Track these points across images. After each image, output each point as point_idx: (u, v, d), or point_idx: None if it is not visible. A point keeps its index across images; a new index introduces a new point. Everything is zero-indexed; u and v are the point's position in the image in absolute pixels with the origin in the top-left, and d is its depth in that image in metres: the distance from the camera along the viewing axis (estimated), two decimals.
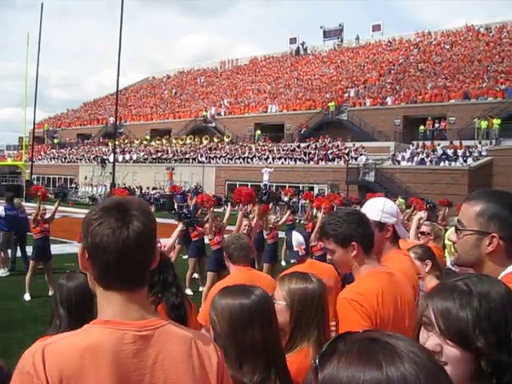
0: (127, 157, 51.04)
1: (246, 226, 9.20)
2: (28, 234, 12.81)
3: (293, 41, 70.54)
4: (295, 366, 2.30)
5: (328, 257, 2.82)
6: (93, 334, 1.47)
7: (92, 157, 53.82)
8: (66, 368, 1.40)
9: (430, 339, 1.39)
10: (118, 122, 44.82)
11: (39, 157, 58.28)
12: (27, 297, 10.63)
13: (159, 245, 6.81)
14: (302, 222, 23.75)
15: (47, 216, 11.29)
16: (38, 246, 10.93)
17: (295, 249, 5.09)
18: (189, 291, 11.09)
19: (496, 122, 34.69)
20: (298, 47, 69.31)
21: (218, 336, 2.13)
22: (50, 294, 10.60)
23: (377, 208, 3.15)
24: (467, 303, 1.36)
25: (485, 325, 1.33)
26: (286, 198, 23.39)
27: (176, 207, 8.31)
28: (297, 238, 5.13)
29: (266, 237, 12.87)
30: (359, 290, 2.62)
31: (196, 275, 11.98)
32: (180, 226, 7.67)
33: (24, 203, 16.41)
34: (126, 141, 56.13)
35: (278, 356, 2.19)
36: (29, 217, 12.59)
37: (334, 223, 2.72)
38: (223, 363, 1.66)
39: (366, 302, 2.54)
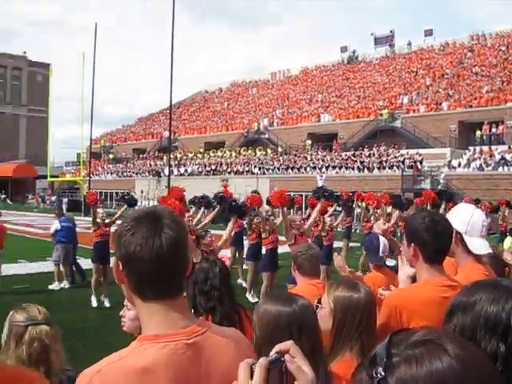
0: (182, 170, 51.68)
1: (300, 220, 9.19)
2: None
3: (344, 49, 69.99)
4: (337, 376, 2.27)
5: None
6: (146, 353, 1.41)
7: (147, 171, 54.80)
8: None
9: None
10: (172, 136, 45.39)
11: (96, 172, 59.60)
12: (94, 302, 10.62)
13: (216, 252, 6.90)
14: (357, 230, 23.48)
15: (107, 220, 11.19)
16: (98, 249, 10.84)
17: (381, 254, 4.93)
18: (250, 297, 11.05)
19: None
20: (350, 55, 68.87)
21: (257, 339, 2.16)
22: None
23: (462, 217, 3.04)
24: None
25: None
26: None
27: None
28: (385, 243, 4.96)
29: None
30: (406, 296, 2.75)
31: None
32: (232, 221, 7.50)
33: (83, 217, 16.59)
34: (180, 154, 56.88)
35: (321, 363, 2.15)
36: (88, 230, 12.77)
37: (412, 219, 2.83)
38: None
39: (406, 310, 2.63)
